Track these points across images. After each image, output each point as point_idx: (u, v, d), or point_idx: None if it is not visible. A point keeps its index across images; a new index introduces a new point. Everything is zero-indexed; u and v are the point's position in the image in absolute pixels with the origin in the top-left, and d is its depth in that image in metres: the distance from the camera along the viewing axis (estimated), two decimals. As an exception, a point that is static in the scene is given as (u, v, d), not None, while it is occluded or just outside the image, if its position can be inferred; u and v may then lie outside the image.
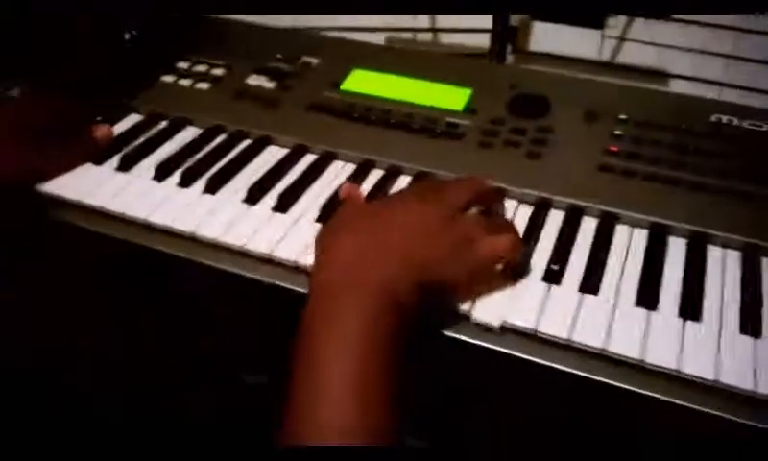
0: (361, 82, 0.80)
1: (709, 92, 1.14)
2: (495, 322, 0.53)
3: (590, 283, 0.56)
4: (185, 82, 0.81)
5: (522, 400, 0.61)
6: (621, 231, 0.62)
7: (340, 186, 0.67)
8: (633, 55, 1.21)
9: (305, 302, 0.50)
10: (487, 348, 0.54)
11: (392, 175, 0.69)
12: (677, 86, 1.18)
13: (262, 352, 0.96)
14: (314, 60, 0.84)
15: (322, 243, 0.55)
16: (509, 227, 0.58)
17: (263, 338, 0.92)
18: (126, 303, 0.91)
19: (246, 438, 0.83)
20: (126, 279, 0.86)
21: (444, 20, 1.26)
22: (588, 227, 0.63)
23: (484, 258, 0.54)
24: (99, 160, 0.71)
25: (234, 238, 0.61)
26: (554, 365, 0.52)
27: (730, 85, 1.12)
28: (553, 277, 0.57)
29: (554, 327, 0.52)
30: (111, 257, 0.77)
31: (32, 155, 0.68)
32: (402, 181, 0.69)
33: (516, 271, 0.57)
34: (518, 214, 0.65)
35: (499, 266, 0.56)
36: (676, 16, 1.11)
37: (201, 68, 0.83)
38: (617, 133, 0.71)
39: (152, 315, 0.91)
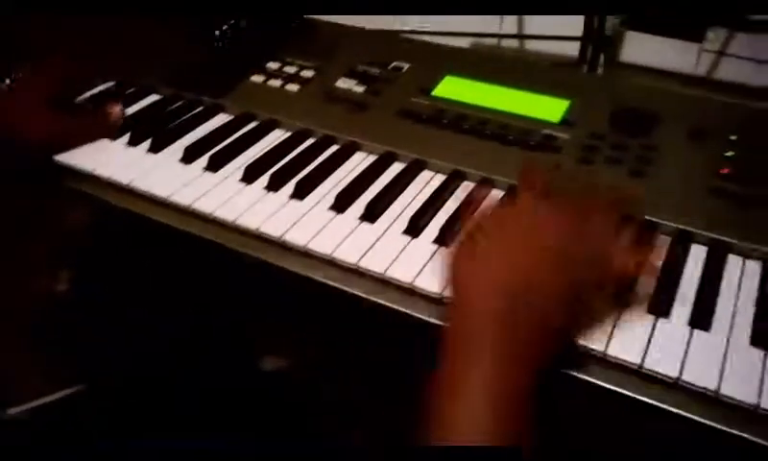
0: (453, 88, 0.77)
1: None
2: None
3: (701, 318, 0.52)
4: (275, 82, 0.81)
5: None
6: (733, 262, 0.58)
7: (434, 198, 0.65)
8: (729, 71, 1.14)
9: (443, 333, 0.49)
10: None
11: (483, 187, 0.67)
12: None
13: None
14: (405, 65, 0.82)
15: (456, 276, 0.52)
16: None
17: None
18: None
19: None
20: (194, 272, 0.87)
21: (532, 27, 1.22)
22: (698, 255, 0.58)
23: (615, 273, 0.51)
24: (189, 160, 0.71)
25: (321, 246, 0.60)
26: (654, 402, 0.48)
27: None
28: (660, 309, 0.53)
29: (661, 364, 0.49)
30: (186, 255, 0.78)
31: (57, 121, 0.72)
32: (495, 195, 0.66)
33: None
34: (620, 237, 0.61)
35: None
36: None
37: (290, 70, 0.82)
38: (728, 154, 0.67)
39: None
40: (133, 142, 0.74)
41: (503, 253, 0.50)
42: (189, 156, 0.71)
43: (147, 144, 0.73)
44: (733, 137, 0.68)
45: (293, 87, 0.80)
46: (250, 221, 0.62)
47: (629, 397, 0.49)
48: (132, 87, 0.84)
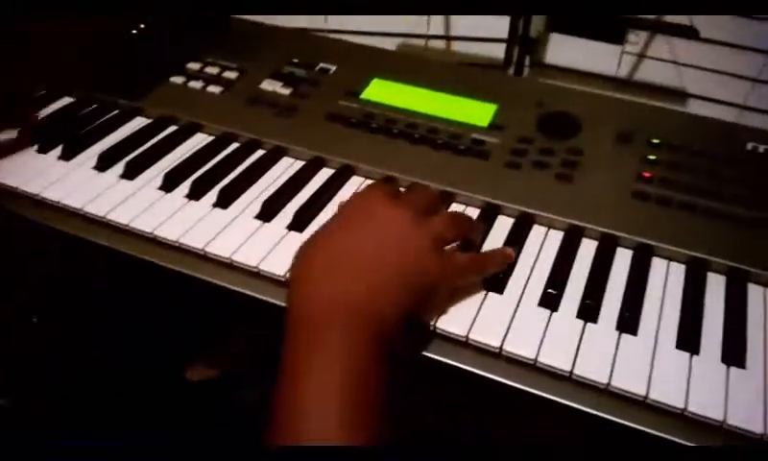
0: (381, 91, 0.76)
1: (728, 115, 1.11)
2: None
3: (628, 322, 0.53)
4: (196, 84, 0.77)
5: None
6: (657, 265, 0.59)
7: None
8: (650, 73, 1.17)
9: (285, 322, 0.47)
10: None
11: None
12: (694, 107, 1.15)
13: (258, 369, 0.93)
14: (331, 67, 0.80)
15: (300, 264, 0.51)
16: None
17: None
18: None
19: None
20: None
21: (459, 28, 1.22)
22: (623, 258, 0.59)
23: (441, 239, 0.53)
24: (104, 167, 0.67)
25: (247, 258, 0.57)
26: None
27: (753, 109, 1.09)
28: (588, 313, 0.53)
29: (592, 370, 0.49)
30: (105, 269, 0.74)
31: None
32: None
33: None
34: (548, 240, 0.61)
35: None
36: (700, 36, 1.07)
37: (212, 70, 0.79)
38: (651, 157, 0.68)
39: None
40: (43, 149, 0.69)
41: (346, 236, 0.51)
42: (104, 163, 0.67)
43: (58, 151, 0.69)
44: (656, 141, 0.70)
45: (215, 89, 0.76)
46: (169, 232, 0.59)
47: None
48: (41, 90, 0.79)
